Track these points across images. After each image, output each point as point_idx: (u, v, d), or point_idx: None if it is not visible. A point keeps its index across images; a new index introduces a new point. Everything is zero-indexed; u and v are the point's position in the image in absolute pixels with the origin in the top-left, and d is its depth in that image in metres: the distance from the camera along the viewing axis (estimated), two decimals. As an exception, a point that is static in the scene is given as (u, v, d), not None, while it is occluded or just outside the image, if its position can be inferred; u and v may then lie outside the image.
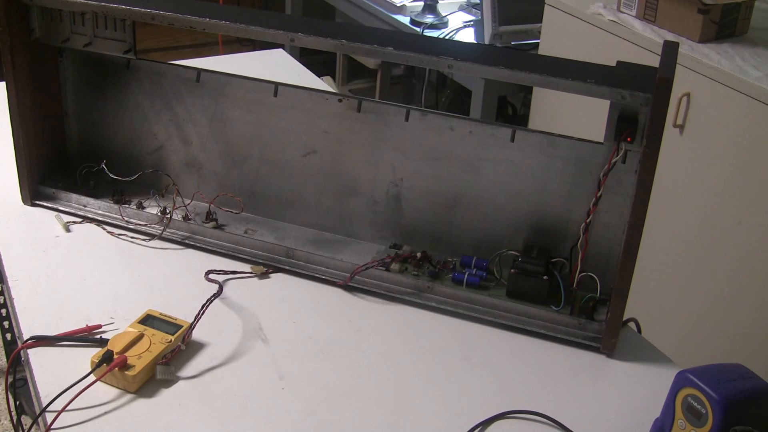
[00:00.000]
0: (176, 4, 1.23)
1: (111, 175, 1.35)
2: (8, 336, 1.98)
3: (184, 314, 1.10)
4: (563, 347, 1.14)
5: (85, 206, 1.36)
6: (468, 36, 2.68)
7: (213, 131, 1.36)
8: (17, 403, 1.74)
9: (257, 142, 1.34)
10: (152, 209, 1.35)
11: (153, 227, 1.32)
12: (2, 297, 1.85)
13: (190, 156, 1.39)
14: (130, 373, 1.00)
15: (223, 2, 3.11)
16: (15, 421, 1.47)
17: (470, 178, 1.23)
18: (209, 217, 1.34)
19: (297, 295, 1.22)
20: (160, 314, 1.10)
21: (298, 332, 1.14)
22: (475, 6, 2.81)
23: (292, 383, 1.05)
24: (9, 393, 1.30)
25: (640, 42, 2.05)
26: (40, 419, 0.97)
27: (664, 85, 0.98)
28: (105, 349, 1.02)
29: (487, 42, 2.52)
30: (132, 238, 1.32)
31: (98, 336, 1.09)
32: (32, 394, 1.04)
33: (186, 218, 1.33)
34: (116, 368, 1.00)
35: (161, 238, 1.31)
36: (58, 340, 1.07)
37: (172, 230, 1.32)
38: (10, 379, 1.21)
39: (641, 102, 1.03)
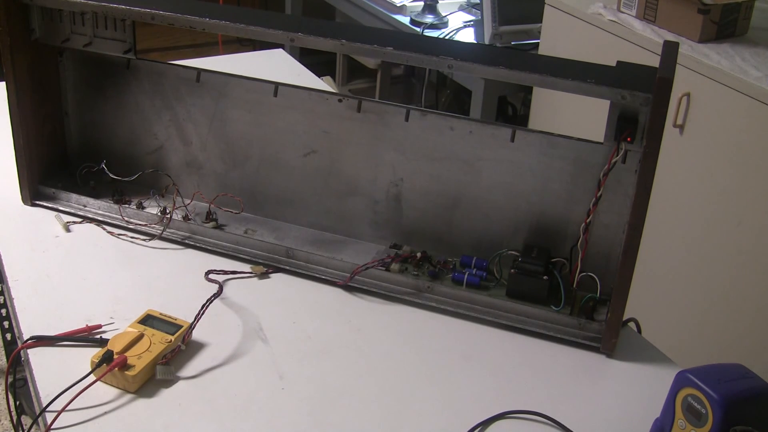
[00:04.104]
0: (176, 4, 1.23)
1: (111, 175, 1.35)
2: (8, 336, 1.98)
3: (184, 314, 1.10)
4: (563, 347, 1.14)
5: (85, 206, 1.36)
6: (468, 36, 2.68)
7: (213, 131, 1.36)
8: (17, 403, 1.74)
9: (257, 142, 1.34)
10: (152, 209, 1.35)
11: (153, 227, 1.32)
12: (2, 297, 1.85)
13: (190, 156, 1.39)
14: (130, 373, 1.00)
15: (223, 2, 3.11)
16: (15, 421, 1.47)
17: (470, 178, 1.23)
18: (209, 217, 1.34)
19: (297, 295, 1.22)
20: (160, 314, 1.10)
21: (298, 332, 1.14)
22: (475, 6, 2.81)
23: (292, 383, 1.05)
24: (9, 393, 1.30)
25: (640, 42, 2.05)
26: (40, 419, 0.97)
27: (664, 85, 0.98)
28: (105, 349, 1.02)
29: (487, 42, 2.52)
30: (132, 238, 1.32)
31: (98, 336, 1.09)
32: (32, 394, 1.04)
33: (186, 218, 1.33)
34: (116, 368, 1.00)
35: (161, 238, 1.31)
36: (58, 340, 1.07)
37: (172, 230, 1.32)
38: (10, 379, 1.21)
39: (641, 102, 1.03)
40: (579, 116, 1.96)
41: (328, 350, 1.11)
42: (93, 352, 1.02)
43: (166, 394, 1.01)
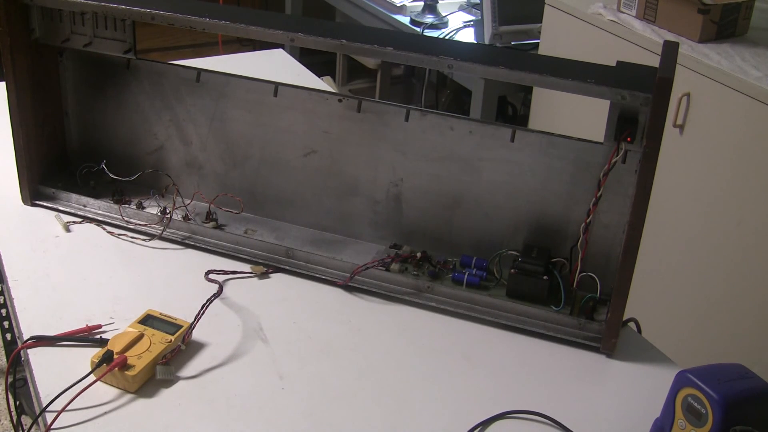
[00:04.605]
0: (176, 4, 1.23)
1: (111, 175, 1.35)
2: (8, 336, 1.98)
3: (184, 314, 1.10)
4: (563, 347, 1.14)
5: (85, 206, 1.36)
6: (468, 36, 2.68)
7: (213, 131, 1.36)
8: (17, 403, 1.73)
9: (257, 142, 1.34)
10: (152, 209, 1.35)
11: (153, 227, 1.32)
12: (2, 297, 1.85)
13: (190, 156, 1.39)
14: (130, 373, 1.00)
15: (223, 2, 3.11)
16: (15, 421, 1.47)
17: (470, 178, 1.23)
18: (209, 217, 1.34)
19: (297, 295, 1.22)
20: (160, 314, 1.10)
21: (298, 332, 1.14)
22: (475, 6, 2.81)
23: (292, 383, 1.05)
24: (9, 393, 1.30)
25: (640, 42, 2.05)
26: (40, 419, 0.97)
27: (664, 85, 0.98)
28: (105, 349, 1.02)
29: (487, 42, 2.52)
30: (132, 238, 1.32)
31: (98, 336, 1.09)
32: (32, 394, 1.04)
33: (186, 218, 1.33)
34: (116, 368, 1.00)
35: (161, 238, 1.31)
36: (58, 340, 1.07)
37: (172, 230, 1.32)
38: (10, 379, 1.21)
39: (641, 102, 1.03)
40: (579, 116, 1.96)
41: (328, 350, 1.11)
42: (93, 352, 1.02)
43: (166, 394, 1.01)
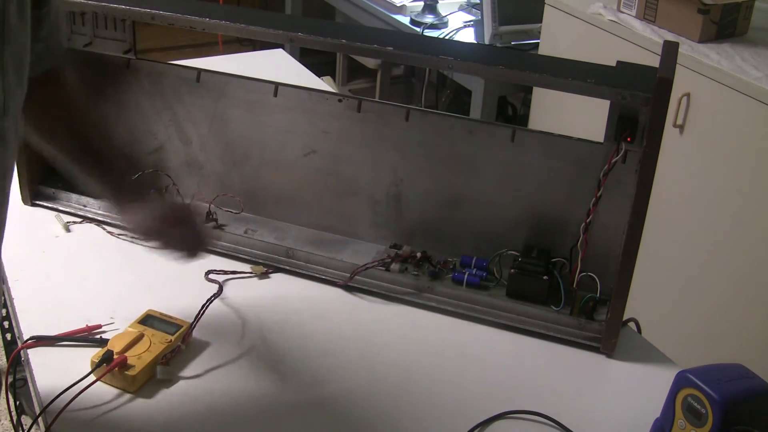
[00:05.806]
0: (176, 4, 1.23)
1: (111, 175, 1.34)
2: (8, 336, 1.97)
3: (184, 314, 1.10)
4: (563, 347, 1.14)
5: (85, 206, 1.36)
6: (468, 36, 2.68)
7: (213, 131, 1.36)
8: (17, 403, 1.73)
9: (257, 142, 1.34)
10: (152, 209, 1.35)
11: (153, 227, 1.32)
12: (2, 297, 1.85)
13: (190, 156, 1.39)
14: (130, 373, 1.00)
15: (223, 2, 3.11)
16: (15, 421, 1.47)
17: (470, 178, 1.23)
18: (209, 217, 1.33)
19: (297, 295, 1.22)
20: (160, 314, 1.10)
21: (298, 332, 1.14)
22: (475, 6, 2.81)
23: (292, 383, 1.05)
24: (9, 393, 1.29)
25: (640, 42, 2.05)
26: (40, 419, 0.97)
27: (664, 85, 0.98)
28: (105, 349, 1.02)
29: (487, 42, 2.52)
30: (132, 238, 1.32)
31: (98, 336, 1.09)
32: (32, 394, 1.04)
33: (186, 218, 1.33)
34: (116, 368, 1.00)
35: (161, 238, 1.31)
36: (58, 340, 1.07)
37: (172, 230, 1.31)
38: (10, 379, 1.21)
39: (641, 102, 1.03)
40: (579, 116, 1.95)
41: (328, 350, 1.11)
42: (93, 352, 1.02)
43: (166, 394, 1.01)
